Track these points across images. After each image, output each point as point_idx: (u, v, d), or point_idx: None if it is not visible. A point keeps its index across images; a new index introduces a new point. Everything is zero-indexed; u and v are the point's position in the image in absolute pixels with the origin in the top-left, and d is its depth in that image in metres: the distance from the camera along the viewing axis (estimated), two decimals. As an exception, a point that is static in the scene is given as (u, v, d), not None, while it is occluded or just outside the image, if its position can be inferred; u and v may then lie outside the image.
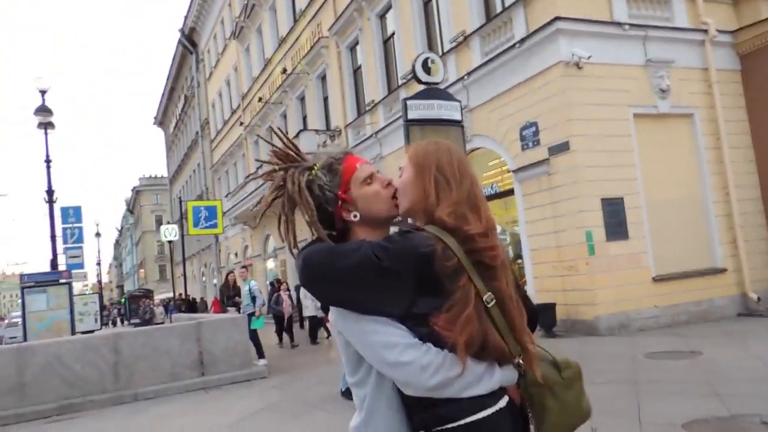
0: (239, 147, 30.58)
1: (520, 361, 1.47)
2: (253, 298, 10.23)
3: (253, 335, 9.98)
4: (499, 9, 12.27)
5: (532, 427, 1.53)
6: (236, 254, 32.57)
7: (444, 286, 1.41)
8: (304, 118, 22.80)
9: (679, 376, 6.42)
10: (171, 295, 35.69)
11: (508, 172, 12.02)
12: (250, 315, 10.05)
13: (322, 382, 8.49)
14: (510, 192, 12.17)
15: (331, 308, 1.53)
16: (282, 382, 8.76)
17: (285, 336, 14.11)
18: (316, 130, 20.12)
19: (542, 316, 8.98)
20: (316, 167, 1.63)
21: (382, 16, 17.10)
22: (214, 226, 14.91)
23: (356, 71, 18.90)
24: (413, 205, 1.57)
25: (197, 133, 38.16)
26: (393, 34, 16.39)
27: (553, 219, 10.69)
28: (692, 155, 11.42)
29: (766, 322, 10.04)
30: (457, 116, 7.65)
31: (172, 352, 8.75)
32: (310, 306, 13.11)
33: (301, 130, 20.28)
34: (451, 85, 12.78)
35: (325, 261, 1.44)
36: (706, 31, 11.47)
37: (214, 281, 31.90)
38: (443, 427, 1.40)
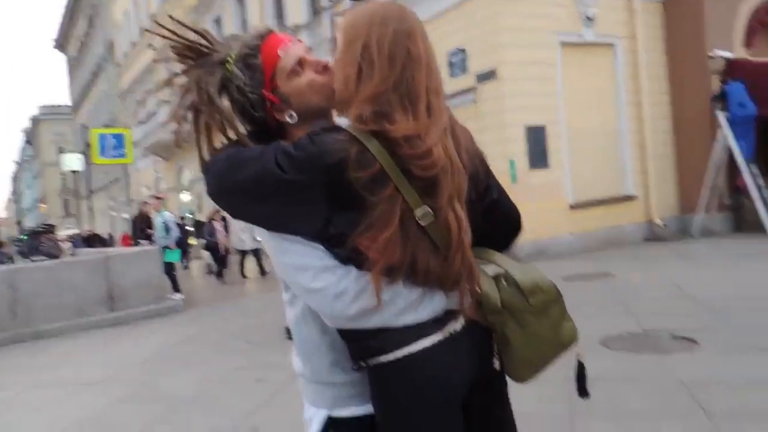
0: (149, 73, 28.56)
1: (458, 287, 1.22)
2: (168, 230, 9.66)
3: (168, 269, 9.50)
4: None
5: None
6: (148, 187, 31.01)
7: (364, 199, 1.15)
8: (220, 43, 21.44)
9: (595, 297, 6.62)
10: (77, 231, 33.78)
11: (435, 99, 11.77)
12: (165, 248, 9.51)
13: (241, 314, 8.23)
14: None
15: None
16: (199, 315, 8.43)
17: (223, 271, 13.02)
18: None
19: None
20: (229, 61, 1.28)
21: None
22: (123, 155, 13.90)
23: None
24: (337, 93, 1.26)
25: (102, 56, 35.32)
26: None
27: (479, 146, 10.61)
28: (611, 85, 11.58)
29: (670, 246, 10.59)
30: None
31: (78, 288, 8.15)
32: (247, 240, 12.12)
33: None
34: (377, 6, 12.19)
35: (225, 170, 1.21)
36: (630, -44, 11.42)
37: (125, 215, 30.32)
38: (377, 361, 1.19)
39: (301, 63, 1.29)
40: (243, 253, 12.50)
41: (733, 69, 11.23)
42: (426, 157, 1.17)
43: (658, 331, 5.02)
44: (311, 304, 1.22)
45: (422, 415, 1.18)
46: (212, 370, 5.24)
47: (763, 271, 7.40)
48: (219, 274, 12.89)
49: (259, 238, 1.35)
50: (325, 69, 1.30)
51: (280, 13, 17.84)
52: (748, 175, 10.65)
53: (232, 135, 1.28)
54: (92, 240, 25.84)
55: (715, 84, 11.31)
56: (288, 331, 5.58)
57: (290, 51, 1.29)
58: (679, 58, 11.86)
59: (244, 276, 12.51)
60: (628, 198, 11.64)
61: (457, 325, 1.21)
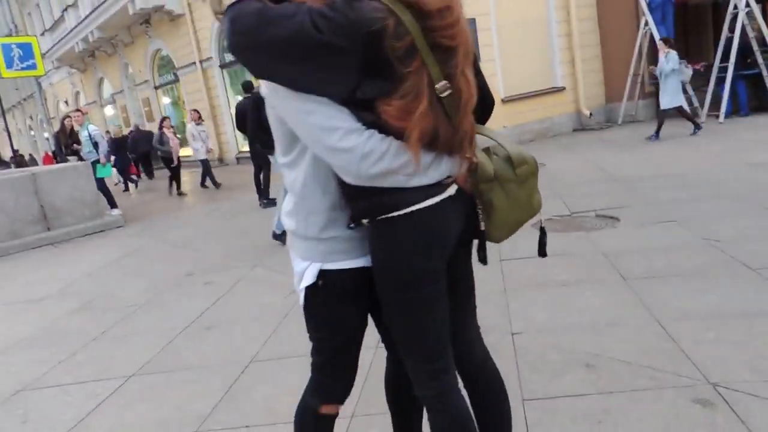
0: (52, -25, 25.99)
1: (467, 152, 1.35)
2: (95, 144, 9.23)
3: (101, 184, 9.17)
4: None
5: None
6: (67, 102, 29.16)
7: (394, 68, 1.20)
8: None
9: (527, 184, 6.94)
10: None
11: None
12: (94, 163, 9.14)
13: (184, 225, 8.20)
14: None
15: (264, 81, 1.31)
16: (141, 229, 8.34)
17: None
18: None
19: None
20: None
21: None
22: (33, 66, 12.82)
23: None
24: None
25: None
26: None
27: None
28: (538, -30, 11.50)
29: (596, 134, 11.08)
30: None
31: (6, 208, 7.84)
32: (200, 149, 11.45)
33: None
34: None
35: (255, 27, 1.17)
36: None
37: (45, 135, 28.55)
38: (388, 215, 1.31)
39: None
40: (203, 163, 11.79)
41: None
42: (454, 27, 1.25)
43: (584, 211, 5.41)
44: (335, 162, 1.27)
45: (421, 261, 1.33)
46: (161, 278, 5.31)
47: (675, 151, 7.95)
48: (178, 187, 12.05)
49: (264, 93, 1.35)
50: None
51: None
52: (667, 59, 11.04)
53: None
54: (19, 163, 24.22)
55: (638, -31, 11.40)
56: (277, 236, 5.54)
57: None
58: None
59: (204, 187, 12.01)
60: (558, 90, 11.93)
61: (452, 189, 1.35)
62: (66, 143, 9.52)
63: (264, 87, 1.37)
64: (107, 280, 5.65)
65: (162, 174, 17.53)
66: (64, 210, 8.29)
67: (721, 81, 10.20)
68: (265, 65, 1.23)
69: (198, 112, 12.21)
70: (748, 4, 9.81)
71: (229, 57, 16.62)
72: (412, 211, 1.30)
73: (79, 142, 9.50)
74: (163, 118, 12.81)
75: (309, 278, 1.44)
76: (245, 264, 5.32)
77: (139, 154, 16.72)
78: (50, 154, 17.05)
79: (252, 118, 7.30)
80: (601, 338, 2.84)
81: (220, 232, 7.22)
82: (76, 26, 20.92)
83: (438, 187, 1.32)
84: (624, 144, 9.35)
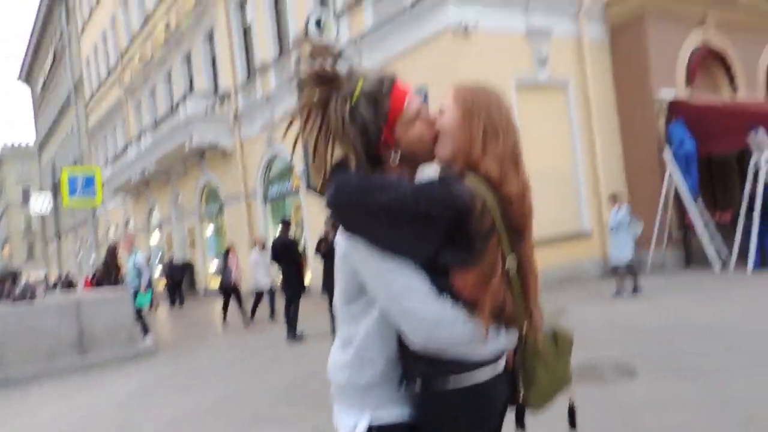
0: (119, 110, 28.66)
1: (525, 328, 1.45)
2: (139, 273, 9.74)
3: (138, 313, 9.51)
4: (391, -27, 12.28)
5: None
6: (117, 227, 30.79)
7: (474, 243, 1.35)
8: (191, 80, 21.75)
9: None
10: (43, 274, 32.91)
11: (399, 137, 12.21)
12: (136, 291, 9.58)
13: (215, 355, 8.41)
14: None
15: (344, 234, 1.42)
16: (172, 358, 8.57)
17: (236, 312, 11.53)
18: (205, 94, 19.28)
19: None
20: (356, 92, 1.45)
21: (272, -26, 16.53)
22: (93, 195, 13.93)
23: (246, 30, 18.22)
24: (456, 151, 1.47)
25: (69, 93, 35.19)
26: (285, -8, 15.92)
27: (441, 185, 11.05)
28: (565, 125, 12.18)
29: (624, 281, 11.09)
30: (347, 84, 7.64)
31: (49, 333, 8.23)
32: (263, 279, 11.20)
33: (188, 94, 19.37)
34: (345, 46, 12.69)
35: (360, 191, 1.35)
36: (580, 2, 12.14)
37: (92, 259, 30.22)
38: (445, 389, 1.37)
39: (418, 114, 1.49)
40: (259, 294, 11.44)
41: (675, 109, 11.96)
42: (529, 214, 1.46)
43: (602, 361, 5.41)
44: (405, 324, 1.33)
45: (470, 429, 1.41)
46: (188, 408, 5.44)
47: (700, 301, 7.93)
48: (246, 314, 11.24)
49: (342, 245, 1.43)
50: (432, 125, 1.50)
51: (248, 49, 18.29)
52: (693, 212, 11.27)
53: (352, 158, 1.43)
54: (65, 285, 25.61)
55: (662, 123, 12.02)
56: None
57: (412, 104, 1.49)
58: (628, 99, 12.55)
59: (252, 317, 11.38)
60: (584, 235, 12.15)
61: (502, 364, 1.44)
62: (113, 271, 10.06)
63: (341, 238, 1.44)
64: (135, 410, 5.79)
65: (189, 304, 18.14)
66: (101, 336, 8.62)
67: (747, 234, 10.30)
68: (360, 225, 1.36)
69: (259, 239, 12.03)
70: (768, 160, 10.14)
71: (273, 192, 17.65)
72: (467, 387, 1.37)
73: (119, 272, 10.02)
74: (229, 247, 12.71)
75: (362, 429, 1.45)
76: (268, 399, 5.43)
77: (173, 283, 17.89)
78: (90, 277, 18.16)
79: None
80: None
81: (249, 364, 7.38)
82: (136, 159, 22.65)
83: (492, 362, 1.40)
84: (650, 293, 9.35)
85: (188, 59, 21.84)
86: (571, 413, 1.63)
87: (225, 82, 19.11)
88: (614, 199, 9.80)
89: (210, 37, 20.09)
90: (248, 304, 11.43)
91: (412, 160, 1.51)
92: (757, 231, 10.11)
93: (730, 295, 8.14)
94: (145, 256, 11.18)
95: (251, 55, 18.08)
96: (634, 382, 4.75)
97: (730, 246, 10.65)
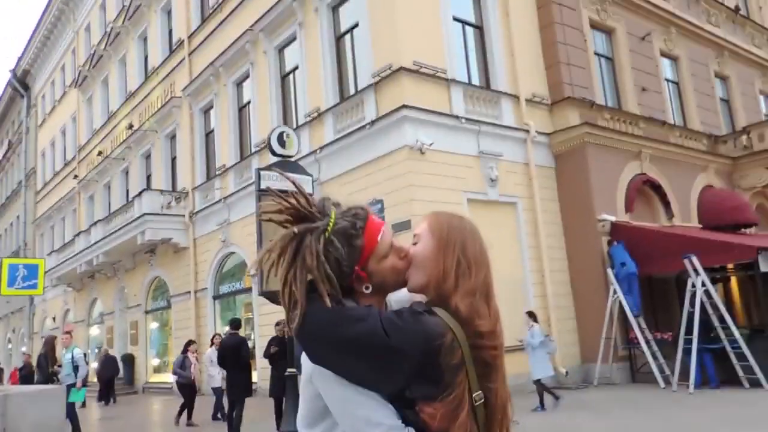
0: (70, 201, 28.27)
1: None
2: (76, 368, 9.27)
3: (71, 409, 8.98)
4: (352, 91, 13.07)
5: None
6: (54, 318, 29.36)
7: (443, 377, 1.36)
8: (148, 177, 21.85)
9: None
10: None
11: (354, 245, 12.43)
12: (70, 386, 9.08)
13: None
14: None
15: (308, 361, 1.42)
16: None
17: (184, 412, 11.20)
18: (161, 191, 19.35)
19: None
20: (329, 230, 1.46)
21: (239, 84, 17.30)
22: (34, 286, 13.34)
23: (208, 134, 18.70)
24: (428, 282, 1.49)
25: (20, 182, 34.64)
26: (249, 102, 16.61)
27: (393, 292, 11.18)
28: (515, 239, 12.69)
29: (572, 394, 11.16)
30: (308, 189, 7.91)
31: (-33, 429, 7.59)
32: (216, 376, 10.91)
33: (144, 190, 19.40)
34: (304, 157, 13.16)
35: (328, 324, 1.35)
36: (527, 131, 13.12)
37: (23, 349, 28.31)
38: None
39: (389, 248, 1.50)
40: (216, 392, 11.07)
41: (615, 231, 12.71)
42: (499, 348, 1.45)
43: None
44: None
45: None
46: None
47: (647, 420, 8.04)
48: (189, 416, 11.06)
49: (317, 379, 1.41)
50: (404, 257, 1.51)
51: (209, 152, 18.66)
52: (637, 329, 11.67)
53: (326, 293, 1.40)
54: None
55: (605, 244, 12.70)
56: None
57: (385, 238, 1.50)
58: (573, 220, 13.29)
59: (216, 419, 11.12)
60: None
61: None
62: (53, 364, 9.56)
63: (308, 364, 1.42)
64: None
65: (124, 400, 17.15)
66: (25, 435, 8.00)
67: (688, 352, 10.66)
68: (329, 357, 1.36)
69: (221, 336, 11.43)
70: (704, 284, 10.74)
71: (223, 289, 17.40)
72: None
73: (56, 364, 9.55)
74: (189, 342, 12.25)
75: None
76: None
77: (106, 379, 17.23)
78: (17, 370, 17.20)
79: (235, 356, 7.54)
80: None
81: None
82: (83, 250, 22.12)
83: None
84: (598, 407, 9.44)
85: (147, 157, 22.06)
86: None
87: (183, 181, 19.29)
88: (531, 316, 10.16)
89: (172, 138, 20.48)
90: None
91: (383, 289, 1.53)
92: (696, 351, 10.48)
93: (670, 415, 8.30)
94: (83, 351, 10.69)
95: (211, 158, 18.46)
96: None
97: (672, 363, 10.96)
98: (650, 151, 14.29)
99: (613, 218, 12.90)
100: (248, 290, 15.95)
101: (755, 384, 10.16)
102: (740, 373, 10.39)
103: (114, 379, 18.20)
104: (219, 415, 10.99)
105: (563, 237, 13.45)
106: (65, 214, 29.11)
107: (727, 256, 11.75)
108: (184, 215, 18.50)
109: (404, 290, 1.56)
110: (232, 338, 9.12)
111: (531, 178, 13.03)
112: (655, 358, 11.42)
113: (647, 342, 11.56)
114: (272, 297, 7.46)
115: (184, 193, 18.89)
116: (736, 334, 10.41)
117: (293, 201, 1.49)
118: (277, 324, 9.11)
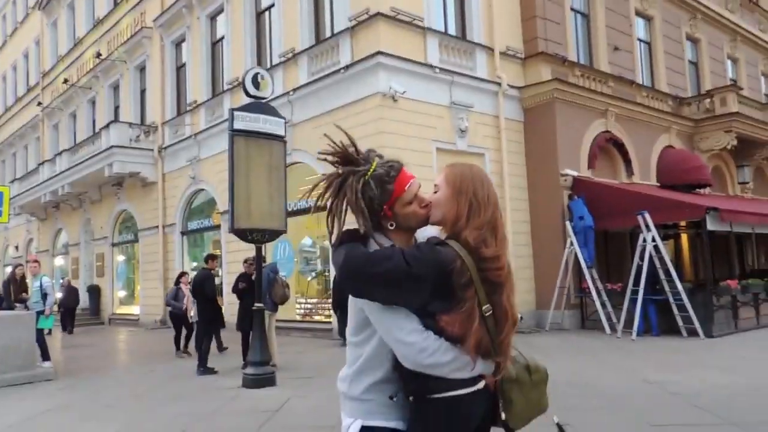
0: (33, 129, 27.59)
1: (499, 360, 1.81)
2: (44, 296, 9.47)
3: (39, 335, 9.21)
4: (328, 33, 13.00)
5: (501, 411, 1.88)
6: (17, 247, 29.11)
7: (455, 294, 1.73)
8: (116, 109, 21.43)
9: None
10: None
11: (324, 188, 12.66)
12: (39, 313, 9.28)
13: (118, 384, 8.24)
14: (324, 207, 12.77)
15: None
16: (72, 385, 8.30)
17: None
18: (130, 123, 19.07)
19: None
20: (368, 174, 1.86)
21: (212, 18, 16.92)
22: (-1, 214, 13.33)
23: (180, 68, 18.36)
24: (444, 219, 1.88)
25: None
26: (222, 38, 16.32)
27: (360, 236, 11.53)
28: (481, 190, 13.06)
29: (523, 338, 11.84)
30: (281, 132, 8.05)
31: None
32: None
33: (112, 121, 19.07)
34: (278, 98, 13.16)
35: (363, 265, 1.72)
36: (499, 84, 13.33)
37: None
38: (431, 396, 1.75)
39: (414, 197, 1.89)
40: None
41: (577, 186, 13.20)
42: (501, 269, 1.81)
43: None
44: (399, 350, 1.74)
45: None
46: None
47: (587, 363, 8.69)
48: (186, 347, 10.97)
49: (362, 305, 1.81)
50: (426, 206, 1.90)
51: (180, 87, 18.38)
52: (589, 279, 12.33)
53: (362, 225, 1.84)
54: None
55: (566, 198, 13.20)
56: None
57: (412, 188, 1.89)
58: (537, 173, 13.71)
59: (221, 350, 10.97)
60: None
61: (481, 384, 1.80)
62: (16, 291, 9.71)
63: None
64: (29, 433, 5.66)
65: (83, 330, 17.44)
66: (-4, 357, 8.25)
67: (634, 302, 11.38)
68: (367, 291, 1.76)
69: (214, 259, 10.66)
70: (654, 239, 11.36)
71: (192, 226, 17.53)
72: (448, 396, 1.75)
73: (27, 291, 9.70)
74: (182, 273, 12.02)
75: (355, 430, 1.84)
76: (171, 430, 5.49)
77: (67, 308, 17.43)
78: None
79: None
80: None
81: (154, 395, 7.33)
82: (48, 179, 21.81)
83: (471, 381, 1.77)
84: (546, 350, 10.08)
85: (116, 88, 21.58)
86: (560, 429, 2.04)
87: (152, 115, 19.03)
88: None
89: (141, 70, 20.04)
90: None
91: (407, 228, 1.92)
92: (641, 301, 11.19)
93: (610, 359, 8.96)
94: (50, 279, 10.84)
95: (182, 93, 18.20)
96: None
97: (619, 312, 11.68)
98: (617, 110, 14.67)
99: (575, 173, 13.37)
100: (217, 227, 16.14)
101: (692, 333, 10.95)
102: (680, 323, 11.17)
103: (74, 309, 18.40)
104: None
105: (527, 190, 13.89)
106: (28, 141, 28.44)
107: (678, 214, 12.35)
108: (153, 149, 18.36)
109: (430, 229, 1.97)
110: (201, 272, 9.41)
111: (500, 131, 13.32)
112: (603, 306, 12.14)
113: (598, 292, 12.24)
114: (242, 235, 7.73)
115: (153, 127, 18.68)
116: (680, 287, 11.11)
117: (343, 147, 1.91)
118: (245, 261, 9.39)
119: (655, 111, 16.06)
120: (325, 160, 1.93)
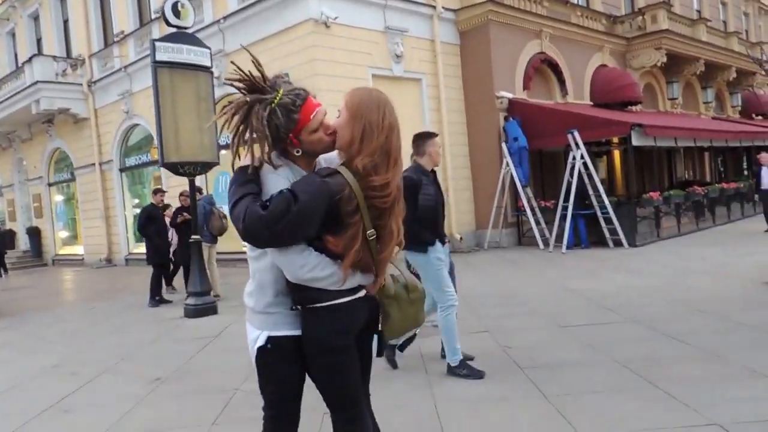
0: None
1: (379, 276, 1.99)
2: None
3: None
4: (254, -43, 12.48)
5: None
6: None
7: (342, 220, 1.85)
8: (39, 41, 20.23)
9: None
10: None
11: (260, 118, 12.53)
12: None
13: (60, 321, 8.33)
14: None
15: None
16: (10, 325, 8.35)
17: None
18: (54, 57, 18.10)
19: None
20: (275, 102, 1.88)
21: (133, -60, 15.93)
22: None
23: (102, -4, 17.39)
24: (341, 146, 1.96)
25: None
26: (145, -39, 15.45)
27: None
28: (419, 115, 13.20)
29: (463, 257, 12.37)
30: (206, 62, 7.90)
31: None
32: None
33: (34, 55, 18.05)
34: (208, 26, 12.76)
35: (260, 228, 1.78)
36: (434, 7, 13.20)
37: None
38: (313, 305, 1.92)
39: (319, 125, 1.93)
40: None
41: (512, 108, 13.47)
42: (388, 196, 1.91)
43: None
44: (282, 266, 1.88)
45: (335, 339, 1.93)
46: (24, 370, 5.54)
47: (516, 275, 9.24)
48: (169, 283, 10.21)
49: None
50: (331, 134, 1.95)
51: (105, 17, 17.46)
52: (524, 198, 12.85)
53: (263, 153, 1.90)
54: None
55: (502, 120, 13.48)
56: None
57: (317, 116, 1.93)
58: (474, 96, 13.87)
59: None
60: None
61: (361, 293, 1.97)
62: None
63: None
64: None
65: (24, 273, 17.20)
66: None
67: (565, 218, 11.98)
68: (267, 245, 1.87)
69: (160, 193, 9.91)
70: (583, 156, 11.85)
71: (130, 162, 17.14)
72: (330, 305, 1.91)
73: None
74: (164, 206, 10.05)
75: (261, 341, 1.99)
76: (113, 358, 5.70)
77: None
78: None
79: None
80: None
81: (96, 329, 7.47)
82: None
83: (350, 291, 1.93)
84: (482, 266, 10.64)
85: (36, 18, 20.28)
86: (408, 341, 2.34)
87: (78, 47, 18.09)
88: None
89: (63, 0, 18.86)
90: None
91: (312, 154, 2.00)
92: (570, 217, 11.80)
93: (542, 270, 9.54)
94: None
95: (108, 23, 17.30)
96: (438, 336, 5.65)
97: (552, 228, 12.29)
98: (551, 31, 14.79)
99: (510, 95, 13.60)
100: (156, 162, 15.83)
101: (618, 244, 11.68)
102: (606, 235, 11.87)
103: (2, 253, 17.90)
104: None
105: (464, 113, 14.08)
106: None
107: (606, 131, 12.83)
108: (81, 84, 17.60)
109: (335, 154, 2.04)
110: (145, 207, 9.38)
111: (436, 55, 13.32)
112: (537, 223, 12.74)
113: (532, 209, 12.80)
114: (173, 168, 7.72)
115: (80, 60, 17.81)
116: (606, 201, 11.73)
117: (250, 75, 1.92)
118: (181, 194, 9.36)
119: (589, 30, 16.26)
120: (232, 85, 1.95)
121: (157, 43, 7.55)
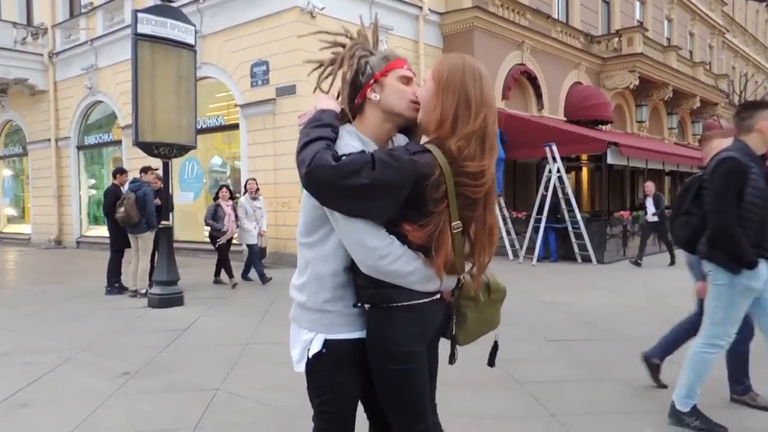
0: None
1: (462, 277, 1.74)
2: None
3: None
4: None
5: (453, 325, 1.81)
6: None
7: (426, 206, 1.58)
8: (-3, 6, 19.13)
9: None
10: None
11: (236, 106, 12.13)
12: None
13: (6, 305, 7.75)
14: (235, 126, 12.31)
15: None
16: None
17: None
18: (14, 23, 17.11)
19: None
20: (365, 56, 1.78)
21: None
22: None
23: (71, -38, 16.56)
24: (427, 123, 1.67)
25: None
26: (121, -70, 14.75)
27: (274, 157, 11.24)
28: (397, 116, 12.99)
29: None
30: (190, 40, 7.48)
31: None
32: (252, 231, 9.17)
33: (-8, 19, 17.04)
34: (186, 5, 12.20)
35: (329, 179, 1.53)
36: (421, 8, 13.05)
37: None
38: (387, 305, 1.64)
39: (409, 80, 1.74)
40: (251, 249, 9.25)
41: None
42: (482, 186, 1.63)
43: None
44: (358, 253, 1.60)
45: (410, 344, 1.66)
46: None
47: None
48: (230, 275, 9.01)
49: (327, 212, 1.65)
50: (409, 81, 1.75)
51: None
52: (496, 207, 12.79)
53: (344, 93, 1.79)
54: None
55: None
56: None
57: (410, 72, 1.77)
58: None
59: (247, 279, 9.41)
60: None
61: (438, 294, 1.70)
62: None
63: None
64: None
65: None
66: None
67: (536, 230, 11.99)
68: (333, 204, 1.60)
69: (255, 182, 9.46)
70: (559, 170, 11.88)
71: (89, 140, 16.35)
72: (407, 305, 1.64)
73: None
74: (221, 187, 9.46)
75: (317, 346, 1.72)
76: (72, 347, 5.26)
77: None
78: None
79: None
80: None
81: (50, 315, 6.95)
82: None
83: (428, 293, 1.67)
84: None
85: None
86: (494, 350, 1.99)
87: (41, 15, 17.17)
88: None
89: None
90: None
91: (391, 110, 1.72)
92: (543, 229, 11.80)
93: (517, 282, 9.43)
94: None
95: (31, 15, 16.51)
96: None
97: (523, 239, 12.27)
98: (532, 43, 14.86)
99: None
100: (118, 143, 15.17)
101: (586, 259, 11.76)
102: (576, 250, 11.93)
103: None
104: (249, 275, 9.40)
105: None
106: None
107: (582, 147, 12.93)
108: (42, 54, 16.68)
109: (401, 137, 1.83)
110: (114, 187, 8.64)
111: (419, 56, 13.16)
112: (508, 233, 12.71)
113: (504, 219, 12.77)
114: (147, 148, 7.28)
115: (42, 29, 16.89)
116: (578, 216, 11.80)
117: (364, 34, 1.89)
118: (147, 171, 8.61)
119: (567, 47, 16.43)
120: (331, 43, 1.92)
121: (140, 15, 7.09)
